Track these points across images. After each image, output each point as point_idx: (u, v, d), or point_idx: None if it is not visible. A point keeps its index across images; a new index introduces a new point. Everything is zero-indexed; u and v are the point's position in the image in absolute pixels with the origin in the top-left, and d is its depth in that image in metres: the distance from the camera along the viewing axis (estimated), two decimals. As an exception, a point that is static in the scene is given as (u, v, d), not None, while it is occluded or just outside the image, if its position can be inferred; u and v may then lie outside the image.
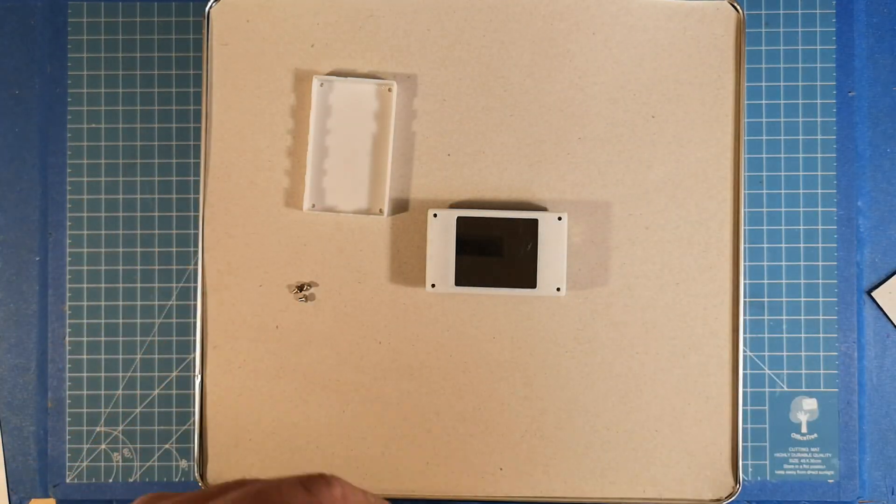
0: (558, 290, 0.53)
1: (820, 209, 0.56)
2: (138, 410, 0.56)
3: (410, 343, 0.55)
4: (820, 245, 0.56)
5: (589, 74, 0.55)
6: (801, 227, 0.56)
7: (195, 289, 0.56)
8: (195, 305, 0.56)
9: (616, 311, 0.55)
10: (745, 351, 0.55)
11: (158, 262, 0.56)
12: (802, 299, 0.56)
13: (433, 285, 0.53)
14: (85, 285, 0.57)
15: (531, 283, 0.53)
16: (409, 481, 0.55)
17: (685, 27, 0.55)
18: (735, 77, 0.55)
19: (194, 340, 0.56)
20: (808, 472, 0.55)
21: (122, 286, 0.56)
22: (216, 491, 0.26)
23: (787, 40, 0.56)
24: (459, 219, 0.53)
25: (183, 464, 0.56)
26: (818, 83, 0.56)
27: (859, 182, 0.56)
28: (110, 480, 0.56)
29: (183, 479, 0.56)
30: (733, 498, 0.54)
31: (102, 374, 0.56)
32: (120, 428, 0.56)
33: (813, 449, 0.55)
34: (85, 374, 0.56)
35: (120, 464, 0.56)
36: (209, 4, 0.55)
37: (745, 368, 0.55)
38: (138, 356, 0.56)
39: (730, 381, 0.54)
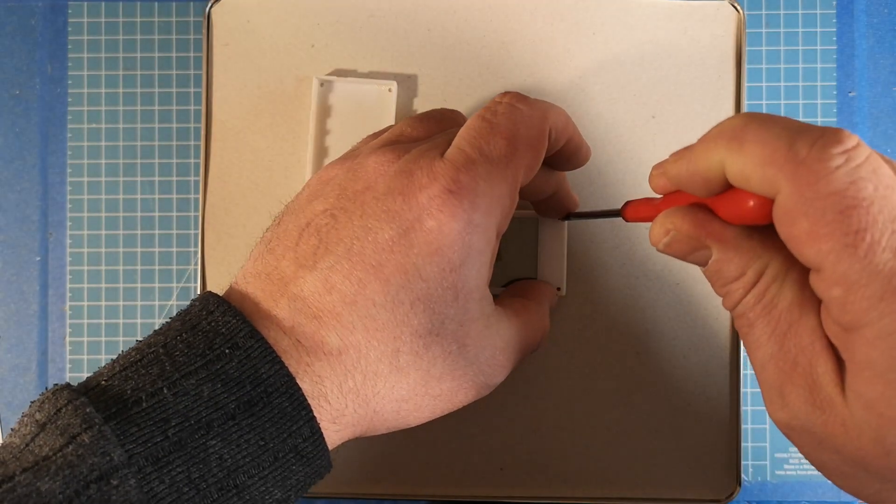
0: (558, 290, 0.53)
1: (820, 209, 0.56)
2: (138, 410, 0.56)
3: (410, 343, 0.55)
4: (820, 245, 0.56)
5: (589, 74, 0.55)
6: (802, 228, 0.56)
7: (195, 289, 0.56)
8: (195, 305, 0.56)
9: (616, 311, 0.55)
10: (745, 351, 0.55)
11: (158, 262, 0.56)
12: (803, 299, 0.55)
13: (433, 285, 0.53)
14: (85, 285, 0.57)
15: (531, 283, 0.52)
16: (409, 481, 0.55)
17: (685, 27, 0.55)
18: (735, 77, 0.55)
19: (194, 340, 0.56)
20: (809, 473, 0.55)
21: (122, 286, 0.56)
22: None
23: (788, 40, 0.56)
24: (459, 219, 0.53)
25: (183, 464, 0.56)
26: (818, 83, 0.56)
27: (859, 182, 0.56)
28: (110, 480, 0.56)
29: (183, 480, 0.56)
30: (733, 498, 0.54)
31: (102, 374, 0.56)
32: (120, 428, 0.56)
33: (813, 449, 0.55)
34: (85, 375, 0.56)
35: (120, 464, 0.56)
36: (209, 4, 0.55)
37: (745, 368, 0.55)
38: (138, 356, 0.56)
39: (730, 381, 0.54)
